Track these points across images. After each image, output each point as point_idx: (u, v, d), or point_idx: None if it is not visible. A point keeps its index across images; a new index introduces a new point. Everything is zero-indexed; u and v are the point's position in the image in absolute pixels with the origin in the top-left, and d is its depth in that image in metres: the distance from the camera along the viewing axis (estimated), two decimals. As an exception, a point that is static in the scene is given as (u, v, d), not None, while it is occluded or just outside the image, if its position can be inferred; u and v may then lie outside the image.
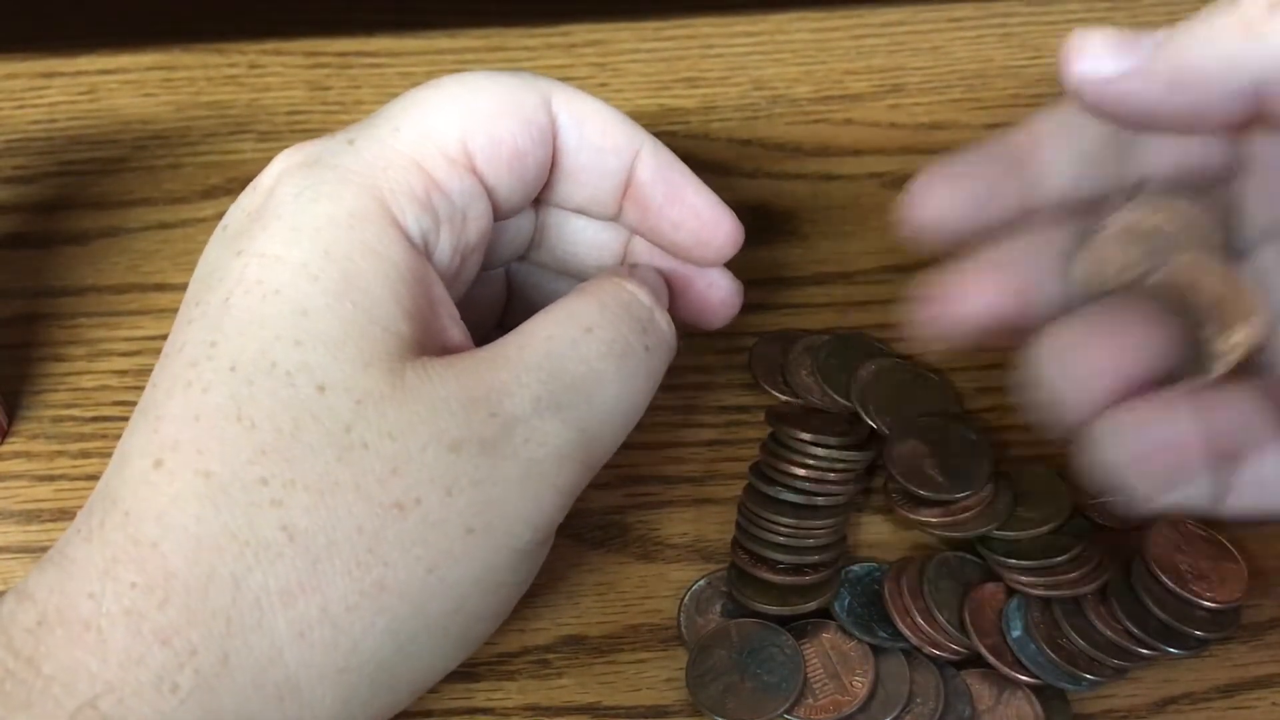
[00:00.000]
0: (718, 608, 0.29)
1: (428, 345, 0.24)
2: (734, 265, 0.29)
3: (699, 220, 0.28)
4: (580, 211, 0.29)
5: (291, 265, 0.23)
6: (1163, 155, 0.25)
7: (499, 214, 0.27)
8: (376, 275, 0.23)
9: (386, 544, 0.22)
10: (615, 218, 0.29)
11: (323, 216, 0.23)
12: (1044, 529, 0.29)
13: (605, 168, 0.27)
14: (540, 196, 0.28)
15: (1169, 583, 0.28)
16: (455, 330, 0.25)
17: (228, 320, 0.23)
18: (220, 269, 0.24)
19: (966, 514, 0.29)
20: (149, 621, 0.20)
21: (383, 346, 0.23)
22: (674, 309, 0.28)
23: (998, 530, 0.29)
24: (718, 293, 0.30)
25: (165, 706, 0.20)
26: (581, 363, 0.24)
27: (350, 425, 0.22)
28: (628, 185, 0.28)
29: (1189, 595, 0.27)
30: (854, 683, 0.27)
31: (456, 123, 0.25)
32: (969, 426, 0.31)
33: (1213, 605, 0.27)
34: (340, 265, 0.23)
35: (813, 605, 0.28)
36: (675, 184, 0.28)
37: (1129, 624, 0.27)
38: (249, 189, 0.26)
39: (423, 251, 0.24)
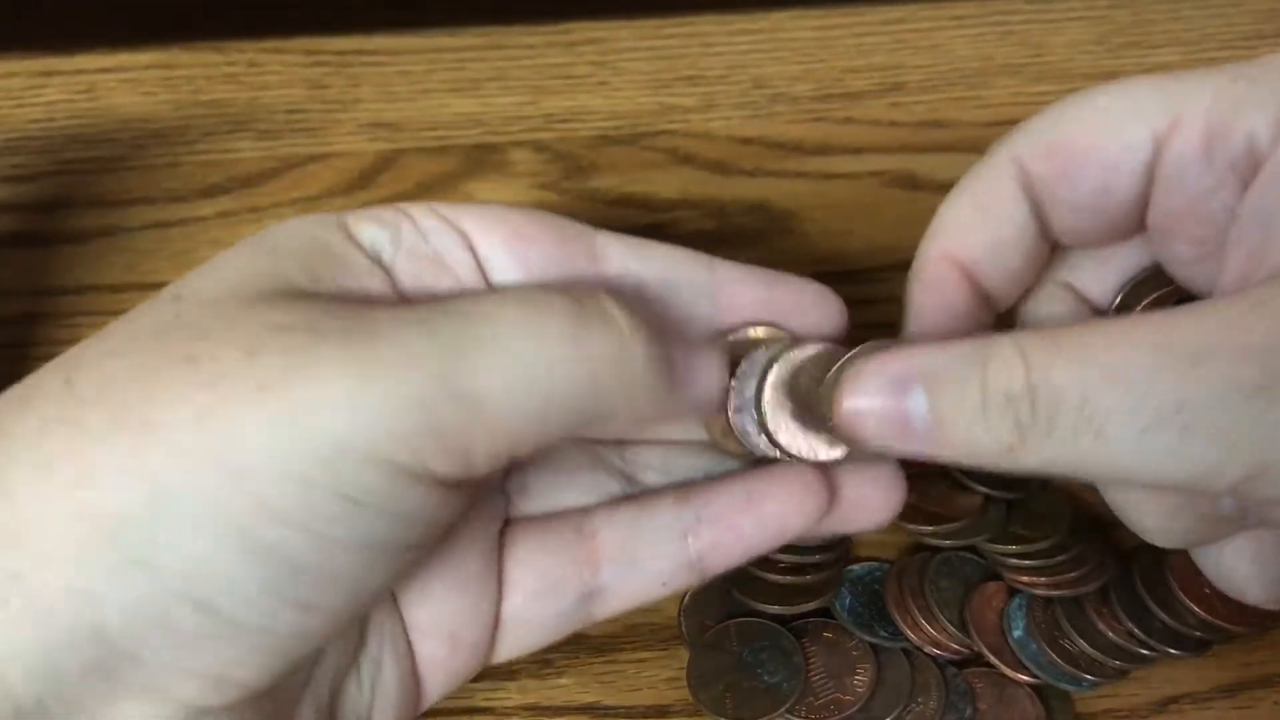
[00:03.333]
0: (718, 607, 0.29)
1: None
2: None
3: (814, 298, 0.26)
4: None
5: (236, 247, 0.23)
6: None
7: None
8: (297, 248, 0.22)
9: (164, 387, 0.19)
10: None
11: (281, 223, 0.23)
12: (1040, 545, 0.29)
13: (680, 289, 0.25)
14: None
15: (1195, 608, 0.27)
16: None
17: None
18: None
19: (957, 524, 0.29)
20: None
21: (266, 277, 0.21)
22: (833, 522, 0.26)
23: (991, 544, 0.29)
24: (880, 489, 0.26)
25: None
26: (475, 300, 0.21)
27: (180, 312, 0.21)
28: (722, 309, 0.26)
29: (1211, 619, 0.27)
30: (855, 682, 0.27)
31: (457, 206, 0.25)
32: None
33: (1234, 629, 0.27)
34: (269, 238, 0.23)
35: (813, 605, 0.28)
36: (765, 274, 0.26)
37: (1131, 625, 0.27)
38: None
39: (372, 256, 0.23)
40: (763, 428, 0.24)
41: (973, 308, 0.25)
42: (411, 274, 0.23)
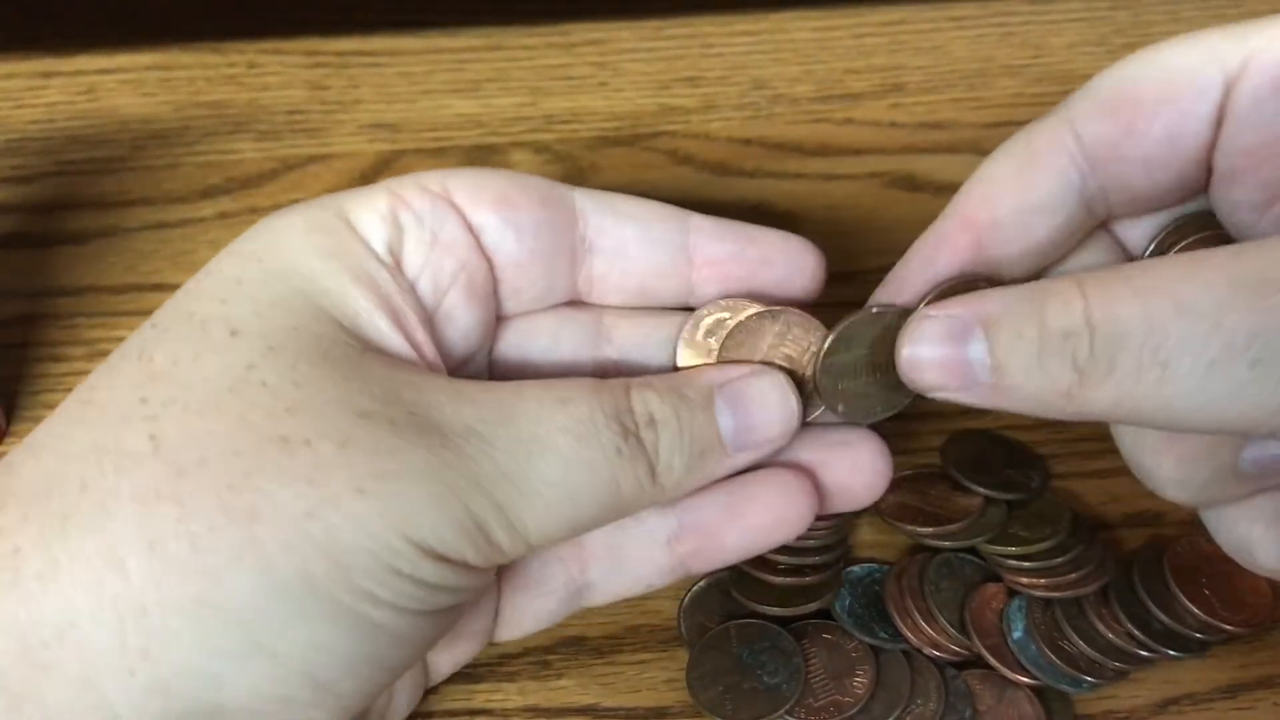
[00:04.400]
0: (718, 608, 0.29)
1: (371, 345, 0.23)
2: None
3: (784, 248, 0.27)
4: (643, 302, 0.27)
5: (241, 254, 0.23)
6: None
7: (499, 261, 0.25)
8: (325, 267, 0.23)
9: (265, 474, 0.20)
10: (687, 300, 0.27)
11: (281, 220, 0.24)
12: (1040, 546, 0.29)
13: (655, 245, 0.26)
14: (590, 298, 0.27)
15: (1193, 608, 0.27)
16: (405, 343, 0.24)
17: (169, 300, 0.23)
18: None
19: (955, 525, 0.29)
20: None
21: (315, 319, 0.22)
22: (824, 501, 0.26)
23: (991, 545, 0.29)
24: (862, 475, 0.26)
25: None
26: (533, 421, 0.22)
27: (253, 364, 0.21)
28: (693, 261, 0.26)
29: (1211, 620, 0.27)
30: (854, 683, 0.27)
31: (440, 174, 0.25)
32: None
33: (1235, 630, 0.27)
34: (286, 253, 0.23)
35: (813, 606, 0.28)
36: (740, 228, 0.27)
37: (1130, 626, 0.27)
38: None
39: (391, 264, 0.24)
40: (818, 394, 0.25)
41: (959, 265, 0.25)
42: (416, 264, 0.24)
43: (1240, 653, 0.29)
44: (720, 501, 0.26)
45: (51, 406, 0.33)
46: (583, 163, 0.39)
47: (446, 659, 0.27)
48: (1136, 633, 0.27)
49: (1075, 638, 0.27)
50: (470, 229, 0.25)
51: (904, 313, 0.24)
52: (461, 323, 0.25)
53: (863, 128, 0.40)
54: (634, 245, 0.26)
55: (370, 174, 0.38)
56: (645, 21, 0.42)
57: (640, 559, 0.27)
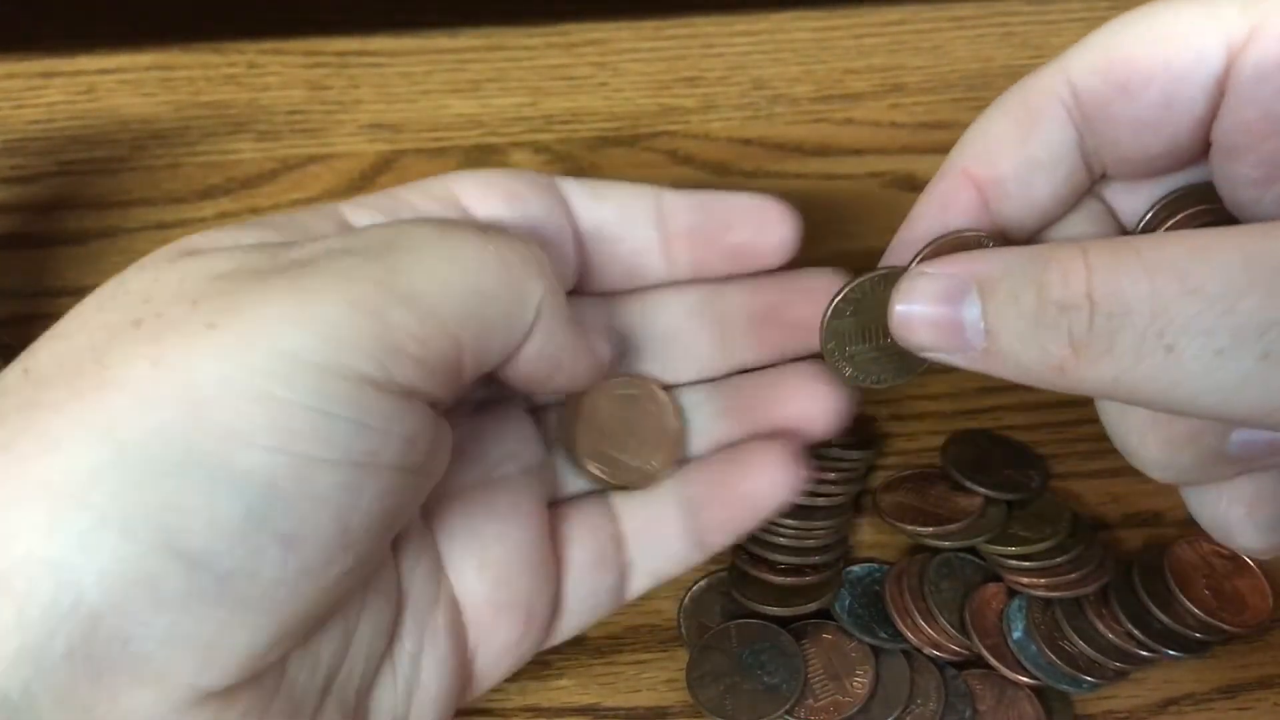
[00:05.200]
0: (718, 608, 0.29)
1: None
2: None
3: (747, 208, 0.27)
4: (630, 283, 0.28)
5: None
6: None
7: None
8: None
9: (114, 351, 0.19)
10: (670, 277, 0.28)
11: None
12: (1040, 546, 0.29)
13: (634, 223, 0.27)
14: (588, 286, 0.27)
15: (1193, 608, 0.27)
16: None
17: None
18: None
19: (955, 525, 0.29)
20: None
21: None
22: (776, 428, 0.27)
23: (991, 545, 0.29)
24: (813, 405, 0.27)
25: None
26: (399, 221, 0.23)
27: (127, 287, 0.21)
28: (669, 237, 0.27)
29: (1211, 620, 0.27)
30: (854, 684, 0.27)
31: (442, 178, 0.25)
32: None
33: (1235, 630, 0.27)
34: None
35: (813, 606, 0.28)
36: (706, 196, 0.27)
37: (1130, 626, 0.27)
38: None
39: None
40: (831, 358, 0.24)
41: (968, 220, 0.24)
42: None
43: (1240, 653, 0.29)
44: (726, 466, 0.26)
45: (51, 406, 0.33)
46: (583, 163, 0.39)
47: (506, 658, 0.25)
48: (1136, 633, 0.27)
49: (1075, 638, 0.27)
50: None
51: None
52: None
53: (863, 128, 0.40)
54: (615, 225, 0.26)
55: (370, 174, 0.38)
56: (645, 21, 0.42)
57: (664, 534, 0.27)
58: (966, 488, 0.30)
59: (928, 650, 0.28)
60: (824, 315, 0.24)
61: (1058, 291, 0.19)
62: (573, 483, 0.28)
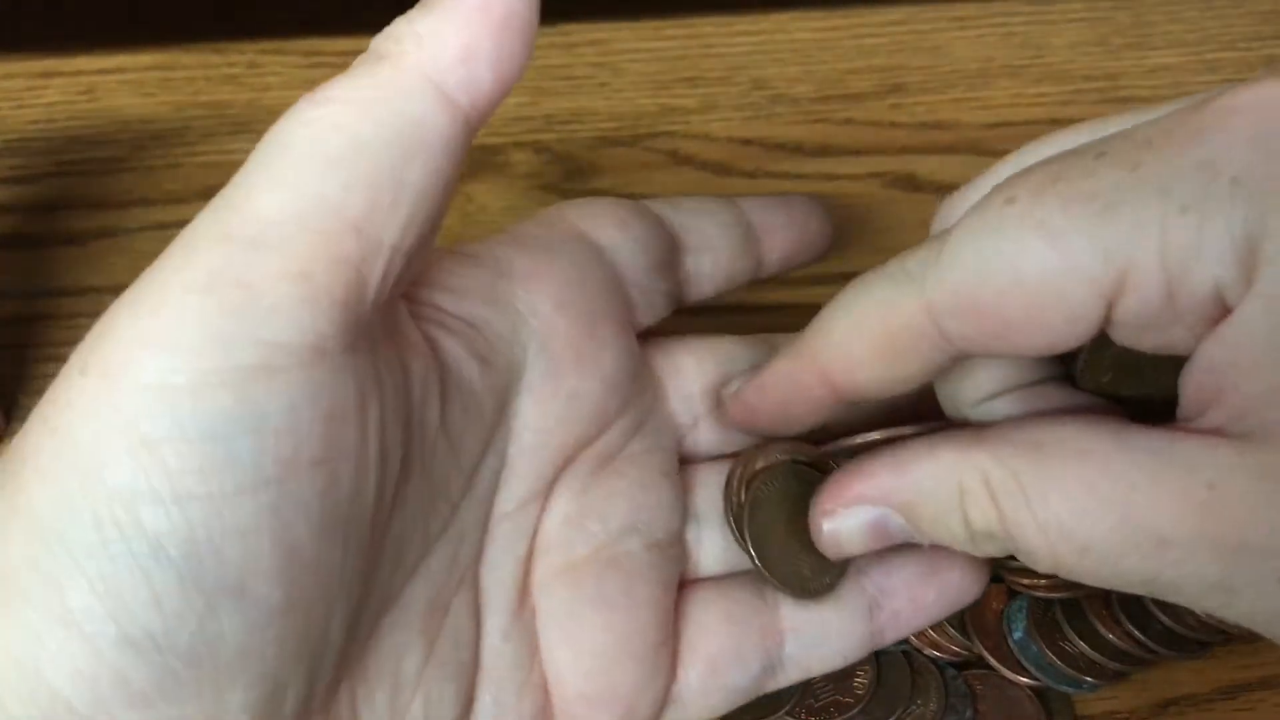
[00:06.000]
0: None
1: None
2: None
3: (803, 208, 0.28)
4: (729, 287, 0.28)
5: None
6: None
7: (628, 278, 0.25)
8: None
9: (31, 418, 0.17)
10: (758, 274, 0.28)
11: None
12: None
13: (730, 229, 0.27)
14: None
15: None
16: None
17: None
18: None
19: None
20: None
21: None
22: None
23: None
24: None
25: None
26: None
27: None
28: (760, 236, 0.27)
29: (1211, 621, 0.27)
30: (854, 683, 0.27)
31: (556, 209, 0.26)
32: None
33: (1234, 630, 0.27)
34: None
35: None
36: (769, 199, 0.28)
37: (1131, 627, 0.27)
38: None
39: None
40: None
41: (818, 413, 0.23)
42: None
43: (1240, 653, 0.29)
44: (921, 562, 0.25)
45: (51, 407, 0.33)
46: (583, 163, 0.39)
47: None
48: (1137, 634, 0.27)
49: (1076, 638, 0.27)
50: None
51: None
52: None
53: (863, 128, 0.40)
54: (716, 236, 0.27)
55: (370, 174, 0.38)
56: (645, 21, 0.42)
57: (840, 631, 0.25)
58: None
59: (928, 650, 0.28)
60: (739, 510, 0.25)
61: (980, 524, 0.20)
62: (715, 558, 0.25)
